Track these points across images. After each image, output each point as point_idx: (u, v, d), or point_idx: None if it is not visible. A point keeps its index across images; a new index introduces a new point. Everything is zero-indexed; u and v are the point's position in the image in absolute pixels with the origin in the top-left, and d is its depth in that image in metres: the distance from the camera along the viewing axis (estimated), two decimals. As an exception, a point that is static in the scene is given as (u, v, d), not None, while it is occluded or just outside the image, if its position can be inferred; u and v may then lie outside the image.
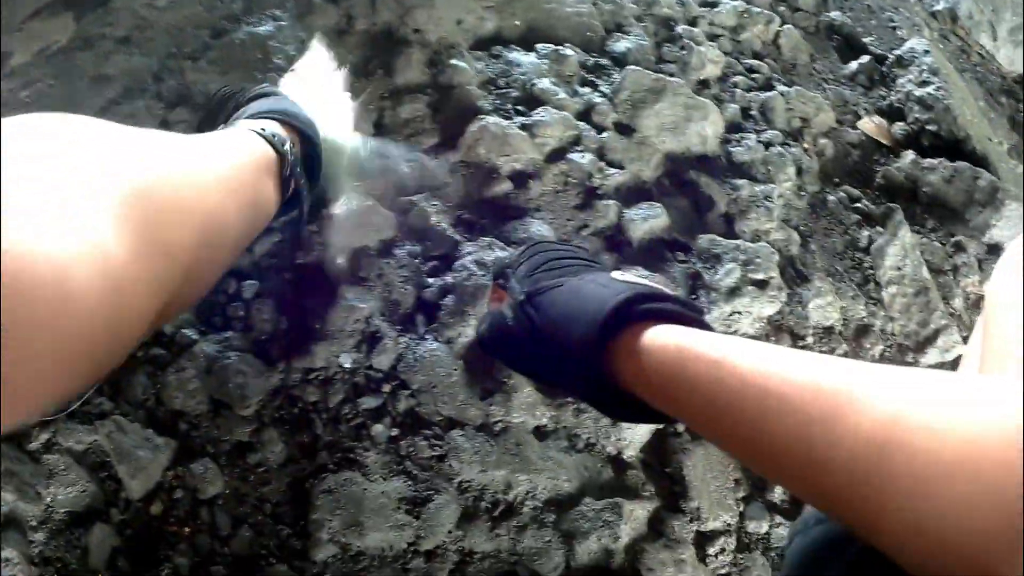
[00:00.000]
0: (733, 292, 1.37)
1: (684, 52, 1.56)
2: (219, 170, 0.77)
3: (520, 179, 1.33)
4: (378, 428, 1.17)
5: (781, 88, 1.67)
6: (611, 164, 1.40)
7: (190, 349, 1.20)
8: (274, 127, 0.95)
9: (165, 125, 1.39)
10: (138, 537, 1.14)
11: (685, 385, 0.63)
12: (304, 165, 1.02)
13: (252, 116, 0.98)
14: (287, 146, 0.94)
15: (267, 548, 1.13)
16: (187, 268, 0.65)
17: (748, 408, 0.56)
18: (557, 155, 1.36)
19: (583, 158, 1.36)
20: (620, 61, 1.51)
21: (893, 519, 0.46)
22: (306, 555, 1.13)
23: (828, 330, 1.49)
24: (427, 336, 1.21)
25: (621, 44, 1.52)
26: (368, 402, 1.18)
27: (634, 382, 0.69)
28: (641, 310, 0.70)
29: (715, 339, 0.64)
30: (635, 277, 0.79)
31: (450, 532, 1.15)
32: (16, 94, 1.42)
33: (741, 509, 1.31)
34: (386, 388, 1.19)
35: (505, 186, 1.31)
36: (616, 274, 0.80)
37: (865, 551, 0.51)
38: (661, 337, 0.66)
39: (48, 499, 1.14)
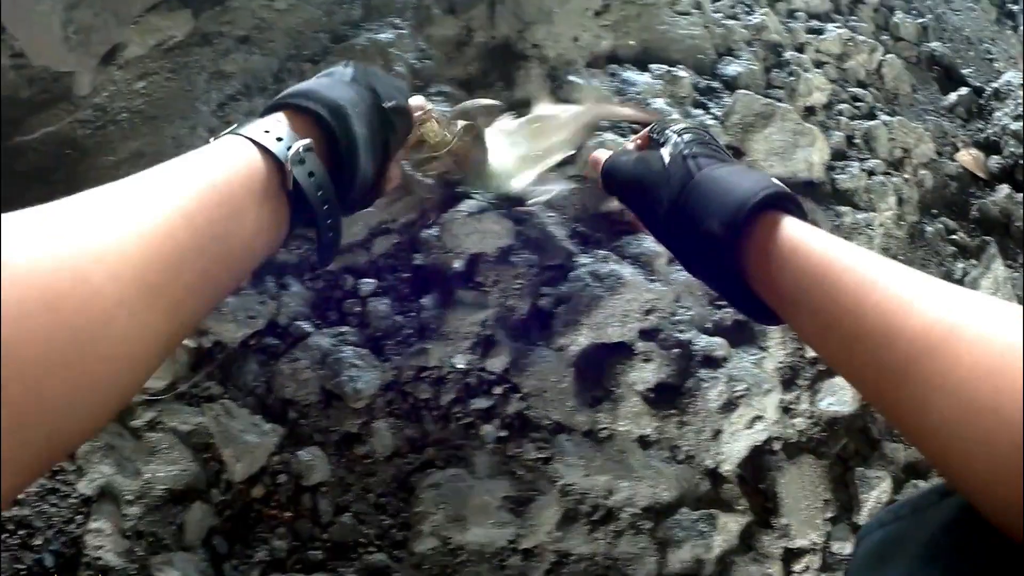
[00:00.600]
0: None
1: (792, 78, 1.57)
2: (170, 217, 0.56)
3: (633, 195, 1.35)
4: (487, 428, 1.20)
5: (884, 117, 1.67)
6: (721, 186, 1.41)
7: (304, 341, 1.24)
8: (281, 125, 0.72)
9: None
10: (237, 518, 1.17)
11: (791, 271, 0.67)
12: (333, 159, 0.76)
13: (269, 107, 0.77)
14: (293, 150, 0.69)
15: (367, 537, 1.16)
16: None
17: (830, 299, 0.61)
18: (669, 173, 1.38)
19: (694, 178, 1.37)
20: (731, 84, 1.52)
21: (934, 414, 0.49)
22: (406, 546, 1.15)
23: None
24: (540, 343, 1.24)
25: (732, 68, 1.53)
26: (479, 403, 1.21)
27: (756, 267, 0.73)
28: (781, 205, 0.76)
29: (826, 238, 0.68)
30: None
31: (549, 533, 1.17)
32: (131, 84, 1.47)
33: (828, 529, 1.31)
34: (497, 390, 1.22)
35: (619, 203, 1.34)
36: None
37: (928, 548, 0.53)
38: (788, 230, 0.71)
39: (147, 475, 1.18)
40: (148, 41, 1.49)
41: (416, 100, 0.99)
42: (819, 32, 1.76)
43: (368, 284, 1.27)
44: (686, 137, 0.88)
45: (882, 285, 0.58)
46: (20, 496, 1.20)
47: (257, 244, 0.67)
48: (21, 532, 1.19)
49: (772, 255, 0.70)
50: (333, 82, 0.81)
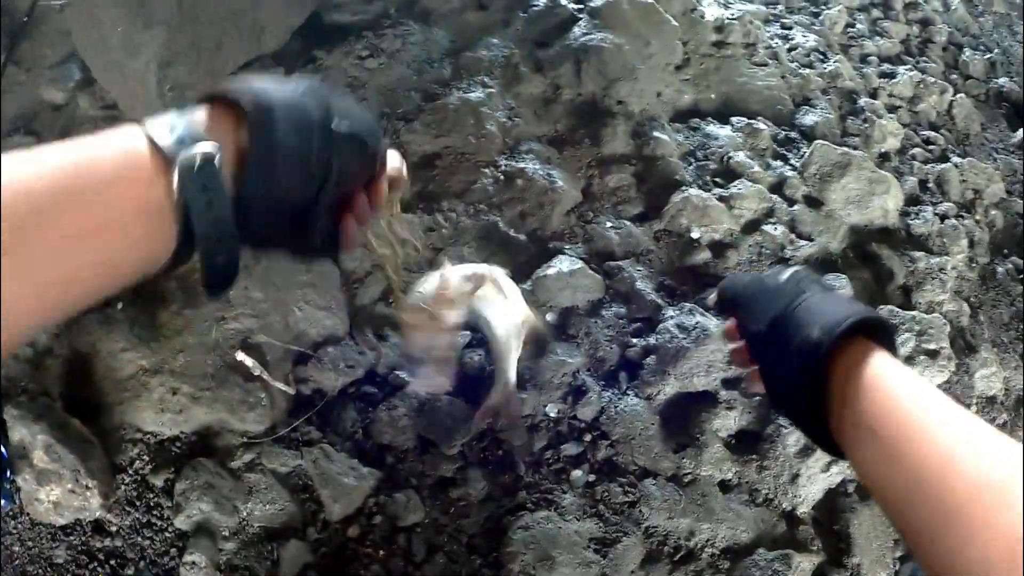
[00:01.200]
0: (907, 361, 1.42)
1: (866, 125, 1.60)
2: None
3: (718, 248, 1.39)
4: (577, 473, 1.26)
5: (955, 160, 1.69)
6: (801, 236, 1.45)
7: (402, 389, 1.30)
8: (195, 122, 0.58)
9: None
10: (332, 556, 1.24)
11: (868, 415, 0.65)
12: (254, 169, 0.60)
13: (203, 96, 0.63)
14: (187, 154, 0.55)
15: (458, 575, 1.22)
16: None
17: (905, 465, 0.58)
18: (752, 226, 1.42)
19: (775, 230, 1.42)
20: (808, 134, 1.56)
21: (978, 551, 0.48)
22: None
23: (991, 400, 1.53)
24: (628, 392, 1.30)
25: (809, 118, 1.57)
26: (570, 449, 1.26)
27: (837, 391, 0.70)
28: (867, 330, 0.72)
29: (905, 375, 0.66)
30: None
31: (632, 572, 1.23)
32: None
33: (896, 568, 1.36)
34: (587, 437, 1.27)
35: (704, 255, 1.38)
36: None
37: None
38: (874, 359, 0.68)
39: (244, 513, 1.26)
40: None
41: (394, 156, 0.79)
42: (891, 76, 1.78)
43: (464, 336, 1.32)
44: (802, 271, 0.86)
45: (947, 431, 0.58)
46: (114, 528, 1.30)
47: (121, 255, 0.55)
48: (112, 562, 1.28)
49: (854, 380, 0.69)
50: (281, 86, 0.65)
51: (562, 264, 1.34)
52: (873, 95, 1.66)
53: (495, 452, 1.28)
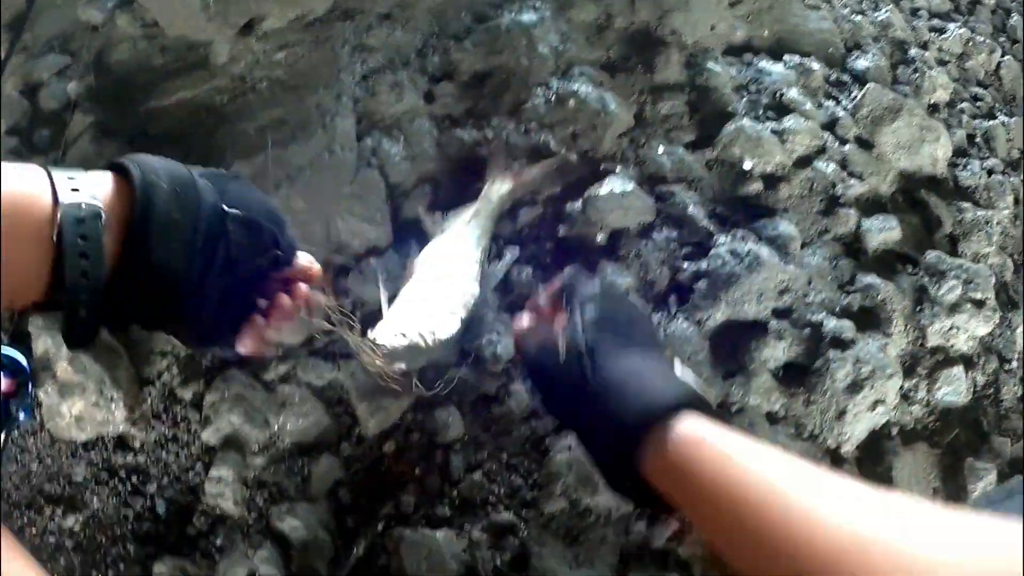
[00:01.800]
0: (954, 308, 1.39)
1: (916, 76, 1.58)
2: None
3: (770, 181, 1.36)
4: (626, 394, 1.24)
5: (1002, 118, 1.67)
6: (852, 175, 1.42)
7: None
8: (99, 184, 0.60)
9: (430, 97, 1.46)
10: (365, 472, 1.19)
11: (696, 479, 0.62)
12: (133, 241, 0.60)
13: (109, 164, 0.64)
14: (74, 202, 0.57)
15: (496, 495, 1.17)
16: None
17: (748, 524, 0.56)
18: (804, 162, 1.39)
19: (827, 167, 1.39)
20: (860, 79, 1.53)
21: None
22: (535, 506, 1.17)
23: (1032, 356, 1.51)
24: (678, 316, 1.26)
25: (860, 62, 1.54)
26: (619, 370, 1.24)
27: (655, 468, 0.67)
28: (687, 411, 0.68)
29: (737, 446, 0.62)
30: (691, 375, 0.77)
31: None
32: (270, 55, 1.50)
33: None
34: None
35: (756, 186, 1.35)
36: (677, 368, 0.76)
37: None
38: (692, 431, 0.65)
39: (276, 427, 1.21)
40: (287, 14, 1.50)
41: (304, 257, 0.79)
42: (941, 31, 1.76)
43: (512, 249, 1.29)
44: (588, 314, 0.81)
45: (784, 493, 0.55)
46: (137, 443, 1.25)
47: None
48: (134, 479, 1.24)
49: (675, 457, 0.65)
50: (177, 166, 0.65)
51: (614, 185, 1.30)
52: (923, 47, 1.64)
53: (541, 370, 1.24)
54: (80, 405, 1.20)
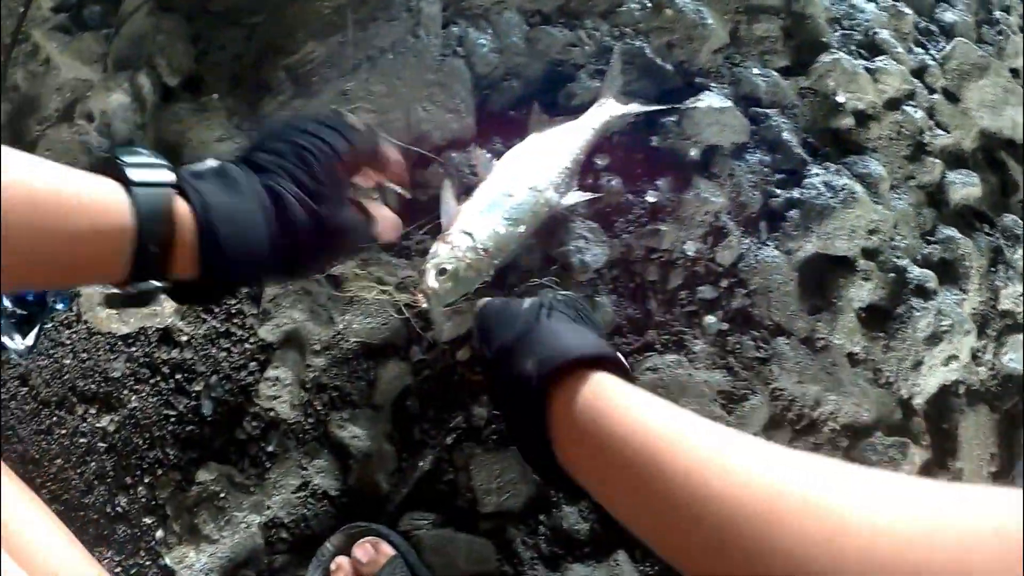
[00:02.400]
0: (1026, 275, 1.36)
1: (1000, 37, 1.53)
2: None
3: (861, 118, 1.29)
4: (710, 319, 1.15)
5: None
6: (938, 126, 1.37)
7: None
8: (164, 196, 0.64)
9: None
10: (435, 380, 1.10)
11: (598, 435, 0.59)
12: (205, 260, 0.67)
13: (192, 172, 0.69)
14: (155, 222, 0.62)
15: None
16: None
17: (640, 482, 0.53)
18: (894, 104, 1.32)
19: (916, 113, 1.32)
20: (947, 31, 1.47)
21: None
22: None
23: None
24: (768, 242, 1.19)
25: (948, 15, 1.48)
26: (705, 292, 1.15)
27: (561, 426, 0.65)
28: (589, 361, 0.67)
29: (642, 400, 0.61)
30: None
31: (755, 435, 1.13)
32: None
33: (990, 484, 1.29)
34: (724, 283, 1.16)
35: (848, 120, 1.27)
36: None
37: None
38: (598, 384, 0.64)
39: (341, 325, 1.11)
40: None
41: (385, 146, 0.85)
42: (1019, -1, 1.73)
43: (602, 158, 1.20)
44: (559, 296, 0.83)
45: (689, 445, 0.52)
46: (184, 338, 1.13)
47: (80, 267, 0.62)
48: (178, 376, 1.11)
49: (575, 413, 0.63)
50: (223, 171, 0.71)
51: (711, 100, 1.21)
52: (1006, 11, 1.59)
53: (627, 283, 1.15)
54: (125, 294, 1.06)
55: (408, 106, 1.17)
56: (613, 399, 0.61)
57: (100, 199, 0.60)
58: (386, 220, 0.84)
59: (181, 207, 0.65)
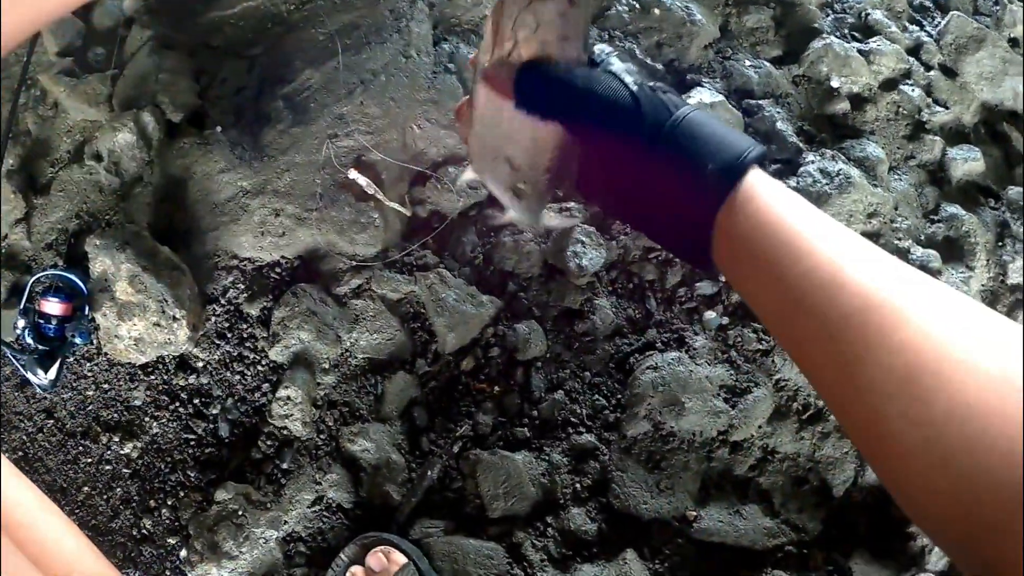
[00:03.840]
0: (1033, 244, 1.32)
1: (997, 8, 1.49)
2: None
3: (856, 101, 1.27)
4: (710, 315, 1.14)
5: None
6: (936, 103, 1.34)
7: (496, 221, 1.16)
8: None
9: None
10: (442, 390, 1.11)
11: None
12: None
13: None
14: None
15: (577, 416, 1.10)
16: None
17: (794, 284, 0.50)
18: (890, 84, 1.29)
19: (913, 91, 1.30)
20: (942, 6, 1.44)
21: (868, 372, 0.43)
22: (617, 428, 1.09)
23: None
24: (766, 234, 1.18)
25: (942, -11, 1.47)
26: (704, 288, 1.15)
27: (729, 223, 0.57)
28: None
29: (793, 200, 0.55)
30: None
31: (760, 427, 1.11)
32: None
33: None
34: (722, 278, 1.16)
35: (843, 105, 1.25)
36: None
37: None
38: (768, 188, 0.56)
39: (348, 343, 1.11)
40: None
41: None
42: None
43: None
44: (633, 69, 0.73)
45: (830, 247, 0.50)
46: (200, 364, 1.15)
47: None
48: (195, 401, 1.13)
49: (740, 207, 0.56)
50: None
51: (702, 95, 1.20)
52: (1002, -19, 1.55)
53: (626, 284, 1.15)
54: (140, 326, 1.09)
55: (403, 125, 1.18)
56: (775, 207, 0.55)
57: None
58: None
59: None
